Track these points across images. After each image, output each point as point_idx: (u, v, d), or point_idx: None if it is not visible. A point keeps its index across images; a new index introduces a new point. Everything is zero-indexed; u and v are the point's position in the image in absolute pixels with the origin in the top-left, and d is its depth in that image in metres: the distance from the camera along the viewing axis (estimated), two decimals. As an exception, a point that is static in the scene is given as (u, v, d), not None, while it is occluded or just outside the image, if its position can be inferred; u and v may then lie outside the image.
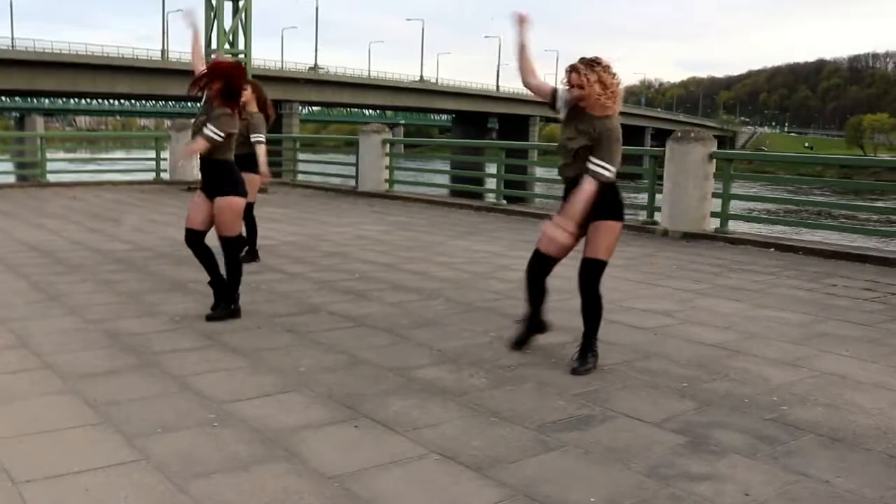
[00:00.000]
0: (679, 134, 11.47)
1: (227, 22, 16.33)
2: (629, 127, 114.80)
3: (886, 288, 7.86)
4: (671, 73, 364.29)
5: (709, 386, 4.61)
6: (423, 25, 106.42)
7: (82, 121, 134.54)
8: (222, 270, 6.00)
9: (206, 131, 5.70)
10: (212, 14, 16.34)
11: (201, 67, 6.02)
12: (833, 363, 5.18)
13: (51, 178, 17.74)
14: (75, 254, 8.63)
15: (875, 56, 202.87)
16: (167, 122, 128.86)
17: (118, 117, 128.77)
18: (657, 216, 11.74)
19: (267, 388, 4.35)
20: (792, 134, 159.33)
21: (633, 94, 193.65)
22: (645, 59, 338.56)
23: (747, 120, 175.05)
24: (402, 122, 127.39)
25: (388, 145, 16.30)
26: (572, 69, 4.75)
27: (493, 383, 4.55)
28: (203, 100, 6.17)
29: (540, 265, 5.08)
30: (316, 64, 79.51)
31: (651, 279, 7.94)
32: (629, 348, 5.36)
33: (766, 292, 7.49)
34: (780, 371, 4.96)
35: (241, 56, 16.60)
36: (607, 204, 4.84)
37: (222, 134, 5.71)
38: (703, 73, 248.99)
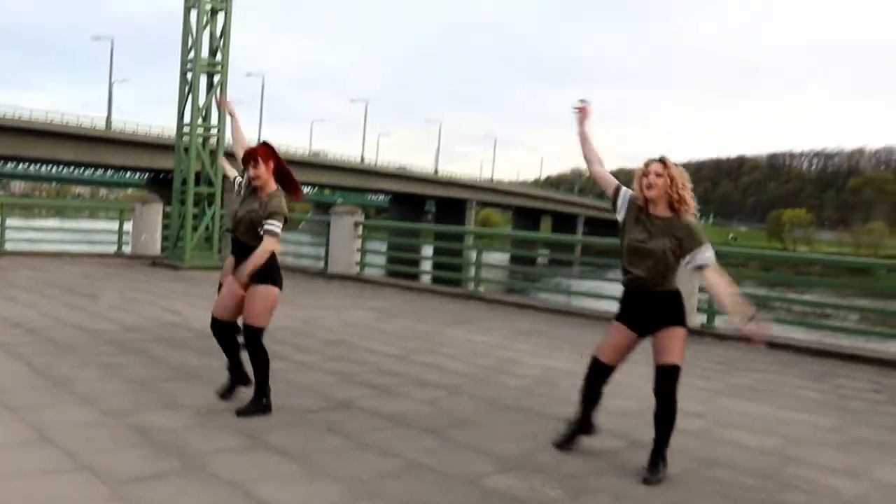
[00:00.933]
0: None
1: (202, 97, 16.07)
2: (564, 214, 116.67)
3: (892, 390, 7.86)
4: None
5: (785, 498, 4.42)
6: (367, 106, 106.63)
7: (16, 186, 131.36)
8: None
9: (269, 227, 5.32)
10: (186, 88, 16.06)
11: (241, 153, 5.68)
12: (890, 473, 5.06)
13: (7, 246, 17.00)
14: (62, 332, 8.13)
15: (792, 155, 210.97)
16: (103, 191, 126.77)
17: (54, 184, 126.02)
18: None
19: (336, 499, 4.01)
20: (736, 228, 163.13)
21: (564, 183, 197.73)
22: (576, 148, 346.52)
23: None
24: (340, 200, 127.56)
25: (361, 227, 16.06)
26: (646, 167, 4.66)
27: (570, 495, 4.27)
28: (243, 185, 5.74)
29: (601, 374, 4.93)
30: (260, 140, 79.13)
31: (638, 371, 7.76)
32: (684, 455, 5.13)
33: (781, 393, 7.40)
34: (845, 482, 4.80)
35: (214, 131, 16.31)
36: (674, 311, 4.74)
37: (280, 228, 5.39)
38: (631, 164, 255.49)
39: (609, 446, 5.17)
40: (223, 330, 5.65)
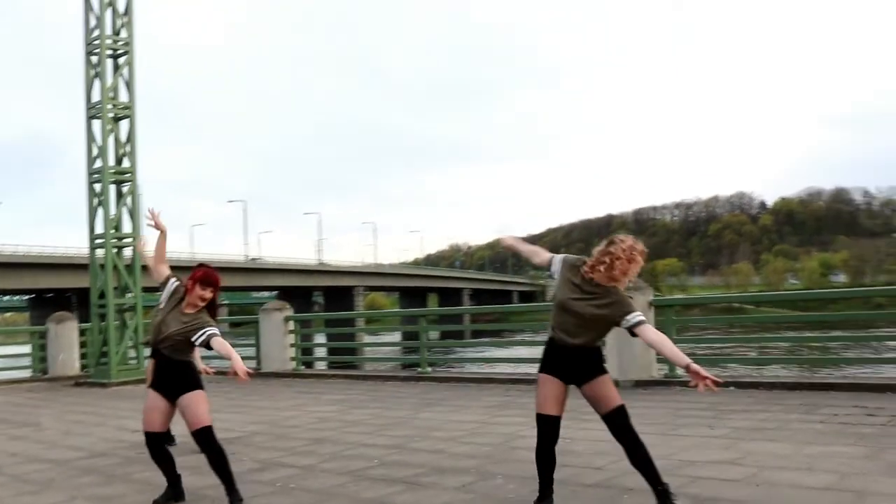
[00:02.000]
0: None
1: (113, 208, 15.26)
2: (449, 289, 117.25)
3: (882, 412, 7.85)
4: (477, 235, 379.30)
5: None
6: (246, 206, 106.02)
7: None
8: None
9: (212, 331, 5.38)
10: (95, 200, 15.23)
11: (162, 269, 5.76)
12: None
13: None
14: (28, 468, 7.28)
15: (654, 208, 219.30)
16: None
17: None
18: (600, 367, 11.51)
19: None
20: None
21: (445, 259, 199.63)
22: (452, 225, 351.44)
23: (549, 273, 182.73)
24: (226, 301, 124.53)
25: (293, 322, 15.43)
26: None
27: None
28: (170, 293, 5.60)
29: (554, 428, 5.00)
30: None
31: (667, 430, 7.57)
32: (759, 505, 4.85)
33: (789, 430, 7.28)
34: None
35: (129, 240, 15.50)
36: (597, 361, 4.90)
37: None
38: (506, 234, 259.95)
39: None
40: (156, 441, 5.56)
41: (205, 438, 5.31)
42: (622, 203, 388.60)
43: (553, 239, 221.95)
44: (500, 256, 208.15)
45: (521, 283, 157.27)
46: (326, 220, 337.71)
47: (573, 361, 4.78)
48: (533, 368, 14.97)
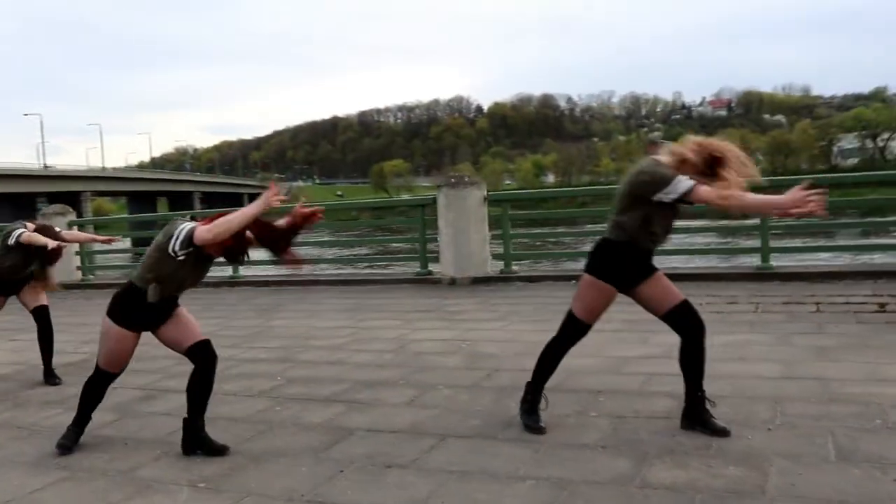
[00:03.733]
0: (453, 179, 11.02)
1: None
2: (179, 193, 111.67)
3: (739, 298, 8.09)
4: (203, 139, 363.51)
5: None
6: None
7: None
8: None
9: None
10: None
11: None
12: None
13: None
14: None
15: (379, 111, 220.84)
16: None
17: None
18: (432, 266, 11.09)
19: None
20: (342, 185, 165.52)
21: (171, 162, 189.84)
22: (177, 128, 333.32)
23: (282, 176, 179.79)
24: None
25: (76, 228, 13.53)
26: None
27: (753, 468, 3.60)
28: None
29: (580, 337, 4.42)
30: None
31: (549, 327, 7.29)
32: (758, 400, 4.64)
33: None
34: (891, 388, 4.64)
35: None
36: None
37: None
38: (233, 137, 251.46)
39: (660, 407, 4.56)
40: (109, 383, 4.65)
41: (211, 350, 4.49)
42: (346, 105, 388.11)
43: (280, 141, 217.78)
44: (228, 158, 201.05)
45: (251, 186, 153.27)
46: (49, 123, 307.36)
47: (647, 262, 4.21)
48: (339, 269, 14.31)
